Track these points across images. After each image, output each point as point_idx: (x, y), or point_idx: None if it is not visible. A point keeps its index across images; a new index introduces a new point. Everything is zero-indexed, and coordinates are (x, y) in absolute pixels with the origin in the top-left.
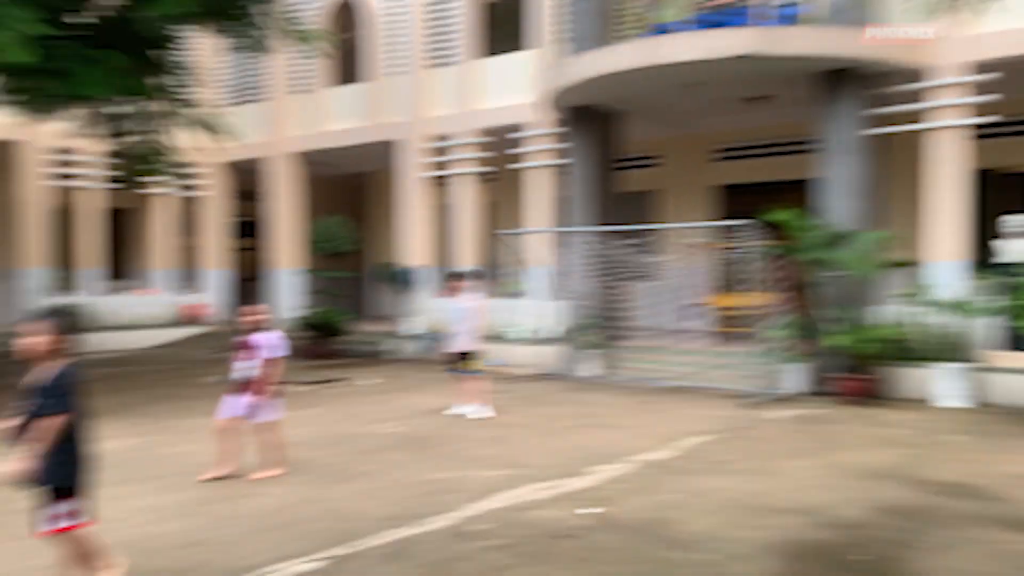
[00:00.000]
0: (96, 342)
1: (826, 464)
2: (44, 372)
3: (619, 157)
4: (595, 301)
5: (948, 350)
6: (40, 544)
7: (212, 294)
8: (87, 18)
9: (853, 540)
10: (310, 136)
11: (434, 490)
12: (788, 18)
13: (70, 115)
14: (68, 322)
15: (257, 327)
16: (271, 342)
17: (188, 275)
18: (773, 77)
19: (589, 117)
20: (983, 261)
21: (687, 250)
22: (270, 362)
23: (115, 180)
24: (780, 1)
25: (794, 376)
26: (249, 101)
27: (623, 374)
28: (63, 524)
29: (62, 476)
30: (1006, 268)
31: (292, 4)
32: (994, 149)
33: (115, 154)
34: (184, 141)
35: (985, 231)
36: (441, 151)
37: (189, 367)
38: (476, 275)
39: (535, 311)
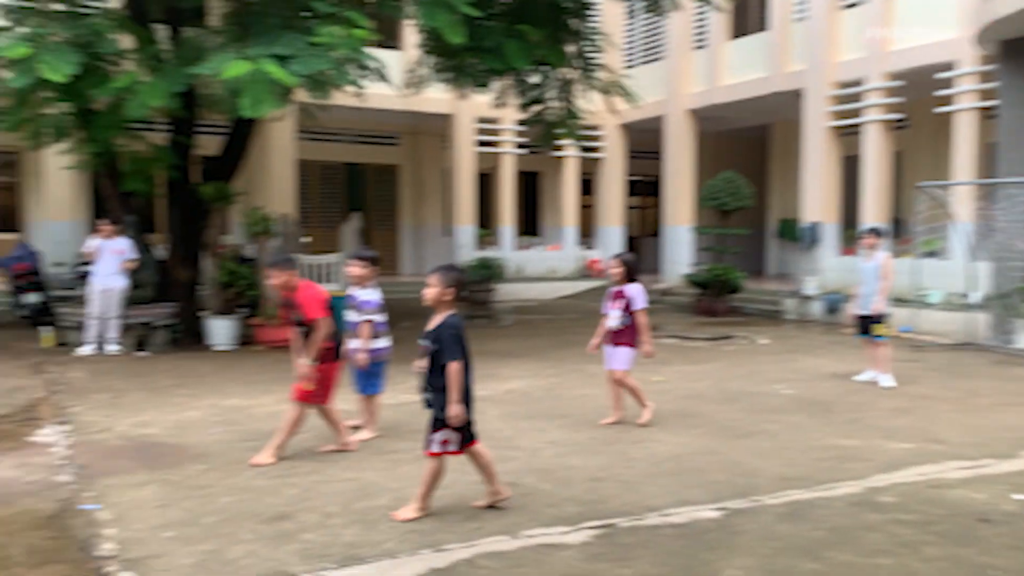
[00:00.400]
0: (509, 292)
1: None
2: (437, 320)
3: None
4: None
5: None
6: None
7: (609, 250)
8: None
9: None
10: (707, 92)
11: (836, 456)
12: None
13: (493, 87)
14: (457, 276)
15: (625, 278)
16: (637, 293)
17: (588, 232)
18: None
19: None
20: None
21: None
22: (637, 313)
23: (528, 146)
24: None
25: None
26: (648, 61)
27: None
28: (436, 449)
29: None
30: None
31: None
32: None
33: (529, 121)
34: (589, 105)
35: None
36: (848, 99)
37: (593, 317)
38: (884, 232)
39: (953, 273)
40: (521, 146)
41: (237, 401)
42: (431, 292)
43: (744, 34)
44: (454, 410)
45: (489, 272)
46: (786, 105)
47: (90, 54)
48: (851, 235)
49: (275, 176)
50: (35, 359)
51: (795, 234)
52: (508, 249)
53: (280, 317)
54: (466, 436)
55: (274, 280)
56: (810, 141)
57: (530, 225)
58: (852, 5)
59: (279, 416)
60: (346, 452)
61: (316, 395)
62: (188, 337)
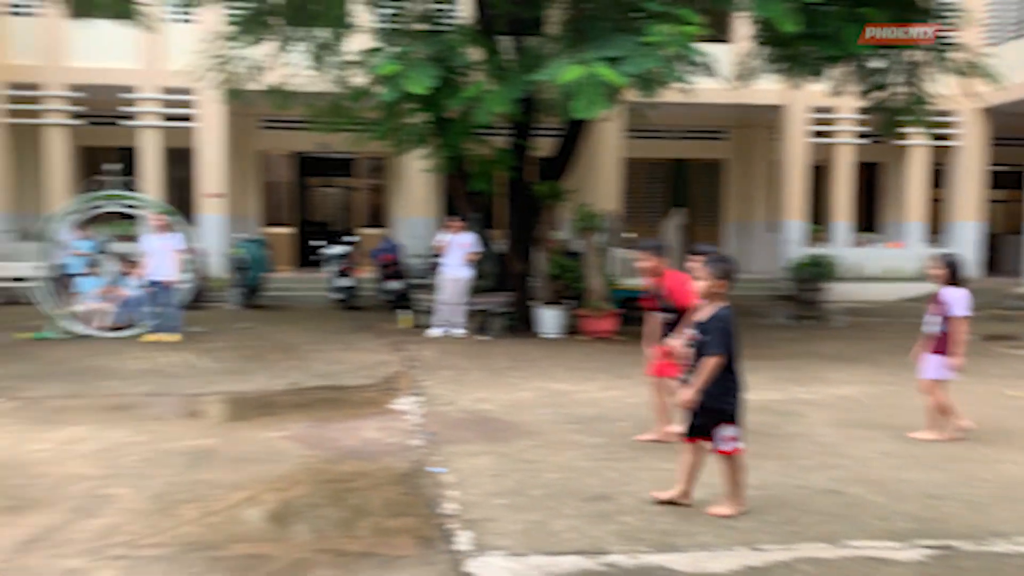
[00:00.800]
0: (842, 292)
1: None
2: (705, 312)
3: None
4: None
5: None
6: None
7: (962, 248)
8: None
9: None
10: None
11: None
12: None
13: (829, 75)
14: (727, 267)
15: (947, 281)
16: (957, 298)
17: (935, 228)
18: None
19: None
20: None
21: None
22: (953, 320)
23: (868, 135)
24: None
25: None
26: (1016, 37)
27: None
28: (727, 447)
29: (724, 404)
30: None
31: None
32: None
33: (871, 109)
34: (942, 88)
35: None
36: None
37: None
38: None
39: None
40: (861, 135)
41: (563, 386)
42: (702, 285)
43: None
44: (687, 393)
45: (819, 270)
46: None
47: (445, 68)
48: None
49: (603, 174)
50: (394, 338)
51: None
52: (842, 246)
53: (645, 304)
54: (708, 430)
55: (643, 263)
56: None
57: (867, 221)
58: None
59: (599, 403)
60: (665, 442)
61: (670, 369)
62: (521, 324)
